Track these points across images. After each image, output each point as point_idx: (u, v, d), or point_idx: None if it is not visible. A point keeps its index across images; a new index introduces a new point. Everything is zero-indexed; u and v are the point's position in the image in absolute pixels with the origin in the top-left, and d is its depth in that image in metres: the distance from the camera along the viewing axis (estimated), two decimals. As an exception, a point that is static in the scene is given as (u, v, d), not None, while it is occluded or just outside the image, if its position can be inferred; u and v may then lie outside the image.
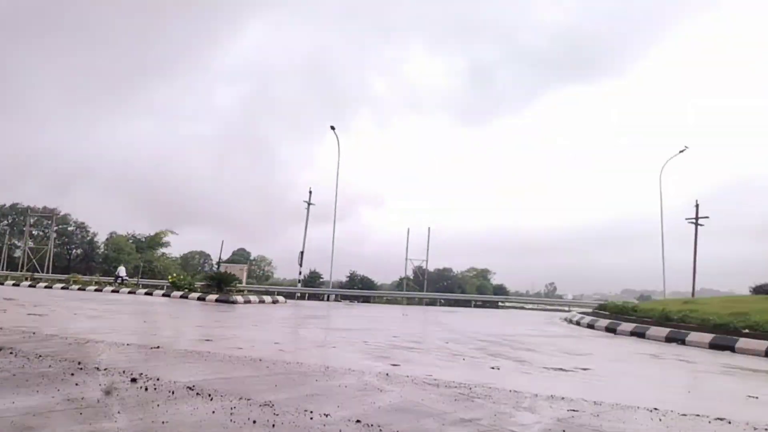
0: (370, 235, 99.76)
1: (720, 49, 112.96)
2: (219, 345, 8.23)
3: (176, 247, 71.87)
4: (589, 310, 21.16)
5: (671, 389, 6.86)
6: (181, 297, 23.02)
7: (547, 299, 50.68)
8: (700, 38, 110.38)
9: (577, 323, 17.75)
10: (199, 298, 22.17)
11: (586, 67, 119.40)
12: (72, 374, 5.23)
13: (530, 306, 39.99)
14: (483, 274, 68.85)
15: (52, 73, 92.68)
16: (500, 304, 40.84)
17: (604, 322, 15.96)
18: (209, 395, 4.70)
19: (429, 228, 42.12)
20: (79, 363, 6.01)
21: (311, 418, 4.12)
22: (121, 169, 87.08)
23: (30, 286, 27.64)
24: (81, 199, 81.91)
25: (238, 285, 26.39)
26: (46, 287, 27.21)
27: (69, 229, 59.64)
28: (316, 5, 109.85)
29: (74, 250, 60.30)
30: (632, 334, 14.13)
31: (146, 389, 4.83)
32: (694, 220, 35.71)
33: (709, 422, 4.85)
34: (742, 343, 11.61)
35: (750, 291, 20.04)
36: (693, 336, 12.57)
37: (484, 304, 39.73)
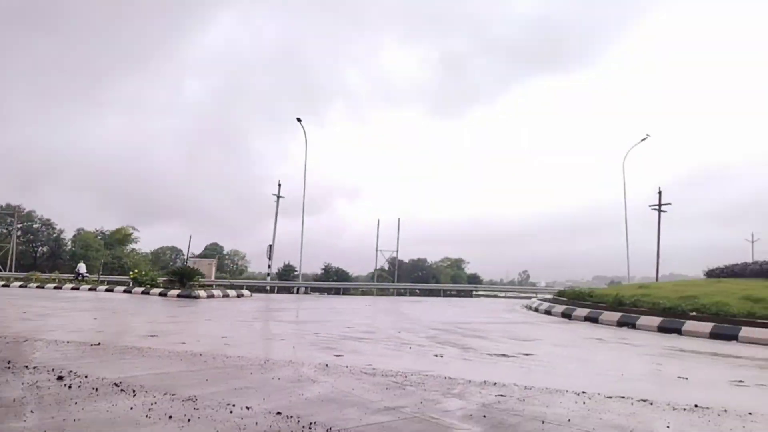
0: (347, 227, 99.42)
1: (687, 38, 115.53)
2: (163, 340, 8.14)
3: (147, 243, 70.83)
4: (550, 297, 21.56)
5: (607, 372, 7.04)
6: (143, 293, 22.66)
7: (521, 287, 51.42)
8: (666, 29, 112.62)
9: (536, 310, 18.09)
10: (160, 294, 21.85)
11: (557, 58, 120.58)
12: (-4, 374, 5.12)
13: (504, 294, 40.53)
14: (457, 263, 69.39)
15: (18, 67, 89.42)
16: (474, 292, 41.33)
17: (560, 308, 16.29)
18: (134, 391, 4.65)
19: (399, 219, 42.24)
20: (9, 362, 5.89)
21: (231, 412, 4.11)
22: (90, 165, 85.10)
23: (-14, 284, 26.82)
24: (48, 196, 79.68)
25: (201, 280, 26.04)
26: (3, 285, 26.45)
27: (34, 226, 58.01)
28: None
29: (40, 248, 58.75)
30: (586, 319, 14.47)
31: (70, 387, 4.75)
32: (657, 207, 36.58)
33: (632, 404, 4.99)
34: (689, 325, 11.98)
35: (704, 275, 20.66)
36: (643, 320, 12.93)
37: (459, 293, 40.13)
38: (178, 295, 21.17)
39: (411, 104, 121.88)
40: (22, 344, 7.35)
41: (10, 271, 44.11)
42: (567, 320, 15.02)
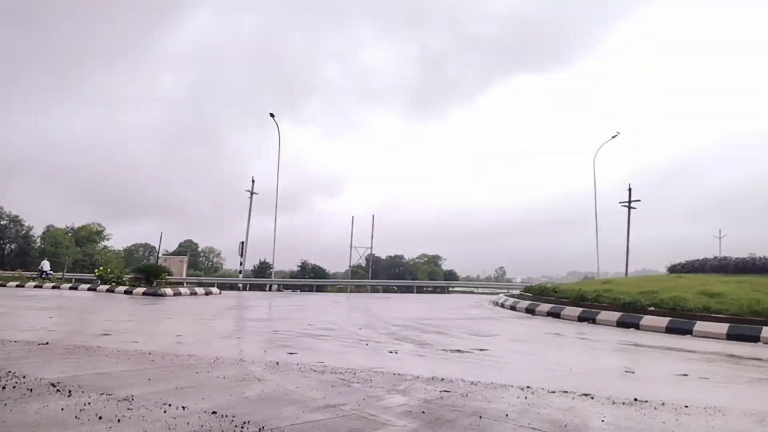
0: (326, 224, 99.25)
1: (664, 39, 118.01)
2: (115, 339, 7.99)
3: (120, 240, 69.47)
4: (517, 292, 21.83)
5: (557, 367, 7.14)
6: (108, 291, 22.21)
7: (496, 283, 51.97)
8: (644, 29, 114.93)
9: (502, 305, 18.29)
10: (126, 292, 21.44)
11: (535, 56, 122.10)
12: (-75, 376, 4.95)
13: (480, 290, 40.90)
14: (434, 260, 69.90)
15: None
16: (450, 289, 41.63)
17: (524, 304, 16.51)
18: (69, 392, 4.56)
19: (373, 216, 42.25)
20: (-55, 363, 5.70)
21: (165, 412, 4.05)
22: (62, 160, 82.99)
23: (-56, 283, 25.92)
24: (17, 192, 77.40)
25: (169, 278, 25.63)
26: (-38, 284, 25.59)
27: (2, 223, 56.38)
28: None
29: (8, 245, 57.13)
30: (549, 314, 14.69)
31: (4, 388, 4.63)
32: (627, 204, 37.32)
33: (573, 398, 5.07)
34: (646, 320, 12.26)
35: (666, 270, 21.13)
36: (603, 315, 13.18)
37: (434, 290, 40.37)
38: (144, 293, 20.80)
39: (390, 100, 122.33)
40: (-35, 345, 7.12)
41: (-26, 269, 42.74)
42: (531, 315, 15.23)
